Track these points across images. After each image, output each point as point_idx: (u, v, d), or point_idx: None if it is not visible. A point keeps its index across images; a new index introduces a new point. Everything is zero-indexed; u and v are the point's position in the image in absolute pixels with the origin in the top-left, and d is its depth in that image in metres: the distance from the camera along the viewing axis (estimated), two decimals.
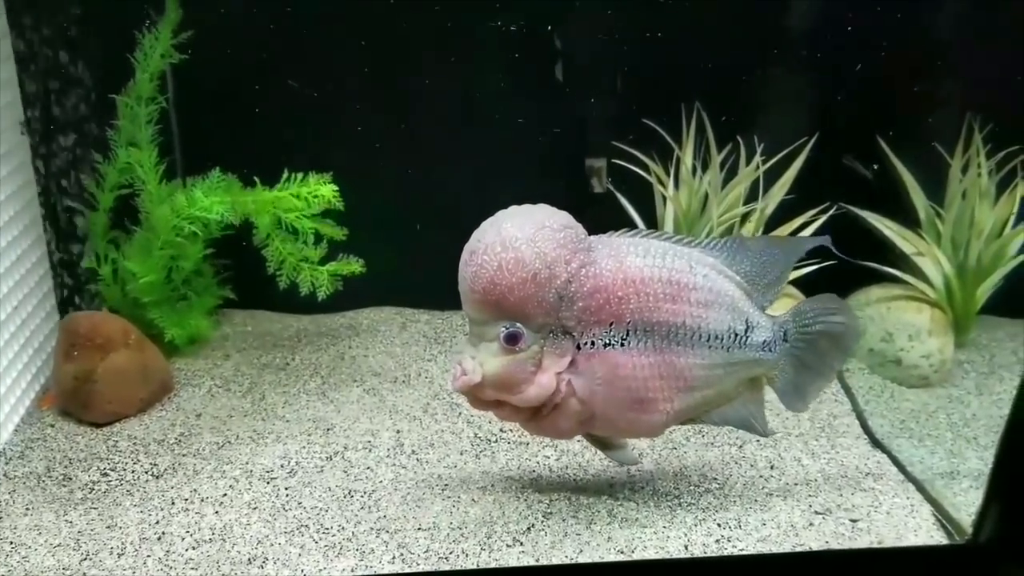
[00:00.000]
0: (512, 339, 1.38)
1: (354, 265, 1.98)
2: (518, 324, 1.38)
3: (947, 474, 1.68)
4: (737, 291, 1.47)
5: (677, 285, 1.42)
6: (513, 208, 1.42)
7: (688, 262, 1.44)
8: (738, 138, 1.98)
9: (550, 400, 1.42)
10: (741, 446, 1.77)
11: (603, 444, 1.57)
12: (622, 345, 1.41)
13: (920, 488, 1.63)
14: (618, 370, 1.42)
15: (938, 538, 1.50)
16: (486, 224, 1.41)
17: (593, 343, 1.41)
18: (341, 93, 2.13)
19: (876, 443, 1.78)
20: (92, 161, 2.06)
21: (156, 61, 1.96)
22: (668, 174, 2.01)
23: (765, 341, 1.49)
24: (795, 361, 1.52)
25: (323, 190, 1.90)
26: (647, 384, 1.43)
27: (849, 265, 1.95)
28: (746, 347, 1.47)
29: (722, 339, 1.45)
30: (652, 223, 2.06)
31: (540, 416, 1.45)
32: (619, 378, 1.42)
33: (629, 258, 1.41)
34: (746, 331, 1.47)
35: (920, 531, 1.52)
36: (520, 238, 1.35)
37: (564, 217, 1.41)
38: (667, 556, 1.45)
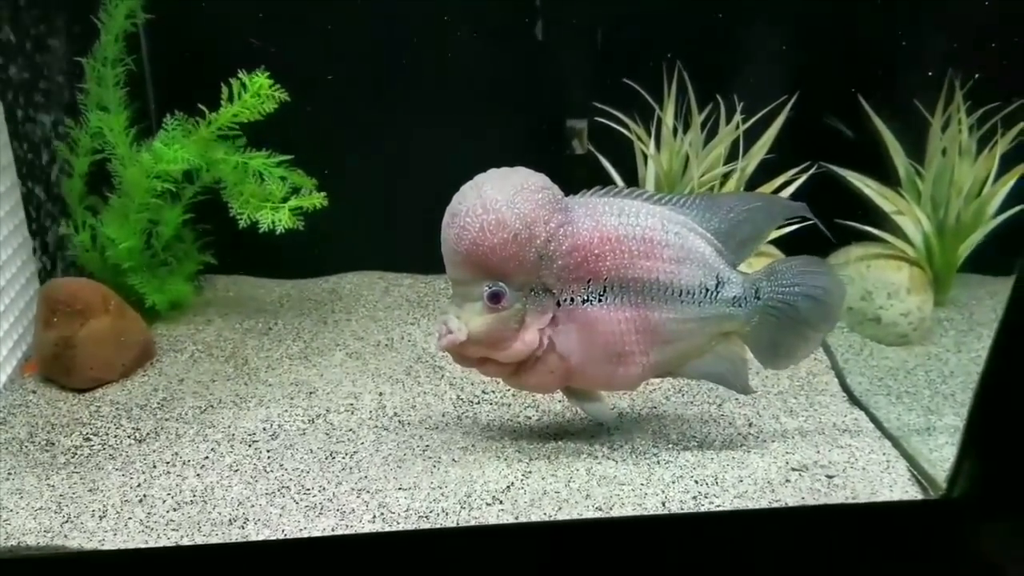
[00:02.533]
0: (495, 298, 1.44)
1: (315, 198, 1.90)
2: (501, 283, 1.44)
3: (923, 430, 1.70)
4: (708, 248, 1.52)
5: (650, 242, 1.47)
6: (491, 171, 1.46)
7: (660, 220, 1.49)
8: (718, 97, 1.96)
9: (532, 356, 1.48)
10: (720, 404, 1.78)
11: (581, 399, 1.61)
12: (600, 301, 1.47)
13: (896, 444, 1.64)
14: (597, 325, 1.48)
15: (913, 493, 1.52)
16: (466, 187, 1.45)
17: (572, 300, 1.47)
18: (321, 55, 2.10)
19: (854, 400, 1.80)
20: (65, 126, 2.03)
21: (120, 21, 1.92)
22: (649, 135, 2.00)
23: (735, 297, 1.54)
24: (772, 320, 1.55)
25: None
26: (624, 338, 1.49)
27: (828, 226, 1.96)
28: (717, 302, 1.53)
29: (693, 294, 1.51)
30: (634, 184, 2.05)
31: (523, 371, 1.51)
32: (597, 333, 1.48)
33: (605, 217, 1.46)
34: (716, 286, 1.52)
35: (895, 487, 1.53)
36: (500, 200, 1.40)
37: (541, 179, 1.46)
38: (645, 513, 1.47)
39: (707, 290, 1.52)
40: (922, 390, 1.85)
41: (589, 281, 1.46)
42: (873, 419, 1.73)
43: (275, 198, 1.90)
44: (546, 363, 1.49)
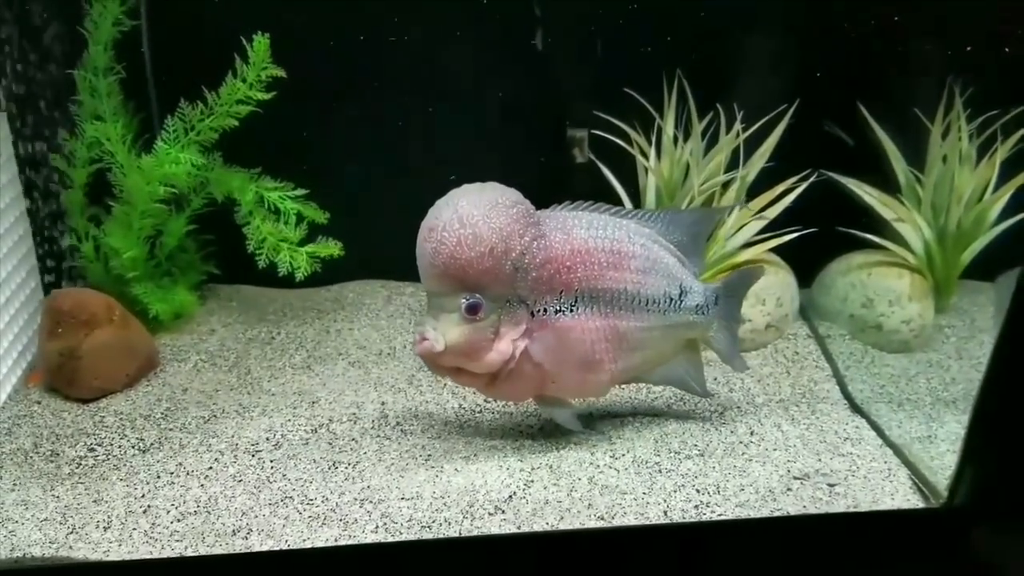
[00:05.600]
0: (473, 309, 1.48)
1: (332, 248, 1.96)
2: (477, 295, 1.48)
3: (925, 438, 1.69)
4: (671, 259, 1.61)
5: (619, 254, 1.54)
6: (465, 186, 1.51)
7: (627, 232, 1.56)
8: (718, 106, 1.97)
9: (507, 365, 1.52)
10: (722, 413, 1.78)
11: (551, 406, 1.65)
12: (571, 311, 1.53)
13: (898, 452, 1.64)
14: (569, 334, 1.53)
15: (914, 501, 1.52)
16: (441, 203, 1.49)
17: (545, 310, 1.52)
18: (327, 67, 2.11)
19: (855, 408, 1.79)
20: (61, 138, 2.03)
21: (107, 30, 1.91)
22: (650, 143, 2.00)
23: (698, 305, 1.63)
24: (726, 324, 1.67)
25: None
26: (594, 347, 1.55)
27: (829, 234, 1.97)
28: (680, 310, 1.61)
29: (659, 303, 1.59)
30: (635, 193, 2.05)
31: (497, 381, 1.55)
32: (569, 341, 1.54)
33: (575, 230, 1.53)
34: (680, 295, 1.61)
35: (897, 495, 1.53)
36: (476, 215, 1.45)
37: (514, 194, 1.50)
38: (647, 522, 1.47)
39: (671, 299, 1.59)
40: (923, 397, 1.85)
41: (561, 292, 1.51)
42: (875, 427, 1.73)
43: (292, 240, 1.93)
44: (520, 372, 1.53)
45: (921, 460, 1.61)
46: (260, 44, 1.87)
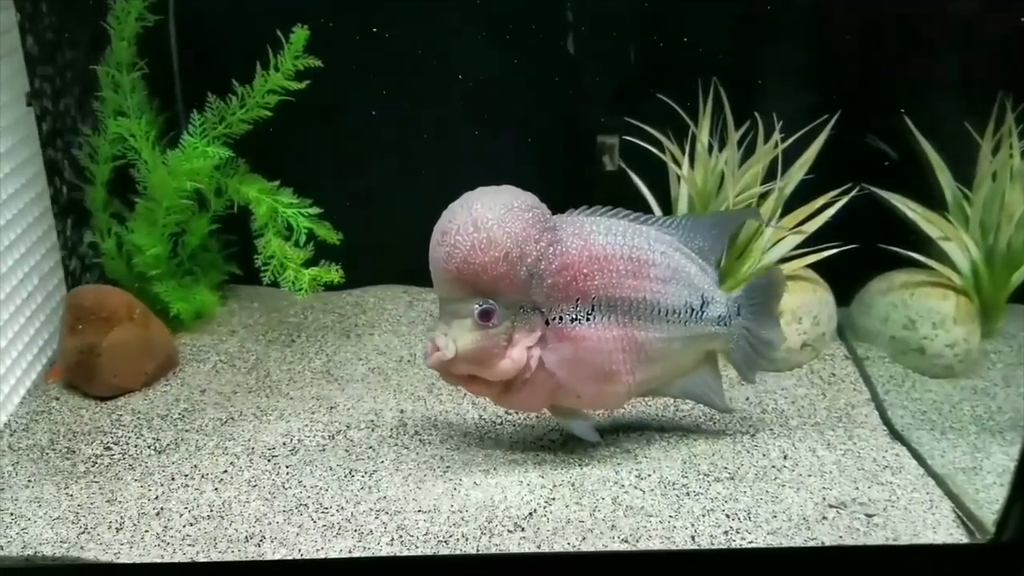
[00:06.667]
0: (486, 315, 1.44)
1: (335, 274, 1.91)
2: (491, 301, 1.44)
3: (969, 469, 1.62)
4: (693, 267, 1.56)
5: (638, 262, 1.49)
6: (480, 189, 1.47)
7: (647, 239, 1.52)
8: (756, 115, 1.91)
9: (520, 374, 1.48)
10: (754, 435, 1.72)
11: (567, 416, 1.61)
12: (588, 320, 1.48)
13: (940, 483, 1.57)
14: (584, 343, 1.49)
15: (958, 536, 1.45)
16: (455, 206, 1.46)
17: (561, 318, 1.48)
18: (351, 68, 2.09)
19: (895, 435, 1.72)
20: (83, 134, 2.03)
21: (131, 25, 1.90)
22: (683, 152, 1.95)
23: (720, 316, 1.58)
24: (747, 335, 1.61)
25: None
26: (611, 357, 1.50)
27: (871, 251, 1.90)
28: (702, 321, 1.56)
29: (679, 313, 1.54)
30: (666, 202, 2.00)
31: (510, 390, 1.51)
32: (585, 351, 1.49)
33: (593, 236, 1.48)
34: (702, 306, 1.56)
35: (939, 528, 1.46)
36: (491, 219, 1.41)
37: (530, 198, 1.47)
38: (673, 547, 1.42)
39: (692, 309, 1.54)
40: (967, 426, 1.77)
41: (578, 300, 1.47)
42: (916, 455, 1.65)
43: (296, 261, 1.89)
44: (534, 381, 1.49)
45: (966, 492, 1.54)
46: (300, 35, 1.86)
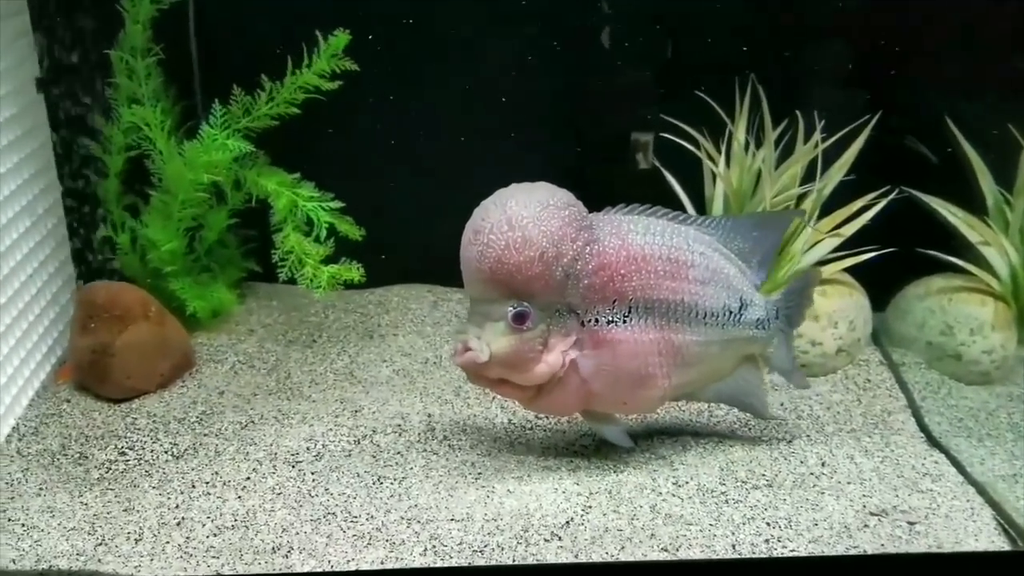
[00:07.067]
0: (520, 318, 1.40)
1: (354, 272, 1.84)
2: (525, 303, 1.40)
3: (1010, 477, 1.60)
4: (732, 268, 1.52)
5: (676, 263, 1.46)
6: (514, 186, 1.43)
7: (686, 240, 1.48)
8: (797, 113, 1.87)
9: (554, 378, 1.44)
10: (791, 441, 1.69)
11: (599, 421, 1.57)
12: (624, 322, 1.44)
13: (981, 491, 1.55)
14: (620, 347, 1.44)
15: (1000, 544, 1.43)
16: (488, 203, 1.41)
17: (597, 320, 1.43)
18: (380, 61, 2.02)
19: (933, 442, 1.70)
20: (95, 124, 1.96)
21: (146, 7, 1.82)
22: (719, 151, 1.91)
23: (759, 319, 1.54)
24: (785, 337, 1.59)
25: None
26: (647, 360, 1.46)
27: (909, 255, 1.87)
28: (740, 324, 1.52)
29: (717, 316, 1.50)
30: (700, 202, 1.95)
31: (543, 394, 1.47)
32: (621, 355, 1.45)
33: (631, 236, 1.44)
34: (740, 308, 1.52)
35: (981, 536, 1.45)
36: (526, 217, 1.37)
37: (566, 195, 1.43)
38: (713, 556, 1.38)
39: (731, 312, 1.50)
40: (1004, 433, 1.75)
41: (615, 301, 1.43)
42: (955, 462, 1.63)
43: (315, 258, 1.82)
44: (567, 385, 1.45)
45: (1007, 500, 1.52)
46: (341, 39, 1.81)
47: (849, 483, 1.56)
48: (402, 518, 1.45)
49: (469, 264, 1.41)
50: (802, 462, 1.62)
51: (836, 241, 1.88)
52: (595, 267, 1.41)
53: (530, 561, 1.36)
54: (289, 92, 1.85)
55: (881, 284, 1.99)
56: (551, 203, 1.39)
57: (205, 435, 1.67)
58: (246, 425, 1.71)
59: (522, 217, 1.36)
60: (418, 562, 1.36)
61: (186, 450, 1.63)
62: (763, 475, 1.58)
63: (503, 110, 2.07)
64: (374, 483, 1.54)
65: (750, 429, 1.72)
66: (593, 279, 1.41)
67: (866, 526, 1.45)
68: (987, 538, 1.44)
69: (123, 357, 1.74)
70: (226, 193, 1.96)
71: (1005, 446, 1.70)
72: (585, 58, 2.04)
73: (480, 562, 1.35)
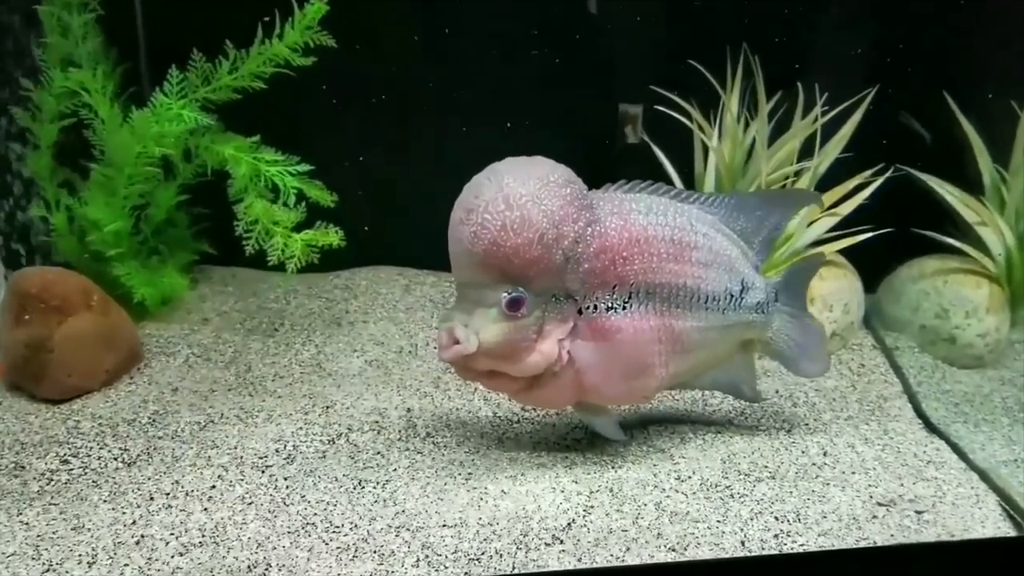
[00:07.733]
0: (515, 304, 1.31)
1: (332, 235, 1.73)
2: (520, 288, 1.30)
3: (1011, 462, 1.59)
4: (735, 250, 1.46)
5: (680, 244, 1.39)
6: (509, 160, 1.33)
7: (689, 220, 1.41)
8: (798, 84, 1.80)
9: (549, 369, 1.36)
10: (790, 430, 1.65)
11: (591, 413, 1.51)
12: (624, 308, 1.37)
13: (984, 477, 1.53)
14: (619, 335, 1.37)
15: (1006, 529, 1.42)
16: (481, 179, 1.31)
17: (595, 307, 1.36)
18: (353, 39, 1.87)
19: (932, 428, 1.68)
20: (23, 89, 1.76)
21: None
22: (710, 123, 1.82)
23: (759, 303, 1.49)
24: (789, 324, 1.52)
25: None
26: (646, 348, 1.39)
27: (904, 235, 1.83)
28: (740, 308, 1.47)
29: (718, 300, 1.44)
30: (689, 177, 1.88)
31: (536, 386, 1.39)
32: (620, 343, 1.37)
33: (633, 215, 1.36)
34: (741, 292, 1.46)
35: (987, 522, 1.43)
36: (525, 195, 1.27)
37: (566, 171, 1.34)
38: (723, 554, 1.32)
39: (732, 296, 1.44)
40: (1000, 418, 1.75)
41: (615, 286, 1.35)
42: (955, 448, 1.62)
43: (286, 224, 1.68)
44: (562, 377, 1.37)
45: (1010, 485, 1.50)
46: (316, 8, 1.67)
47: (853, 473, 1.53)
48: (389, 526, 1.34)
49: (460, 246, 1.30)
50: (803, 452, 1.58)
51: (833, 220, 1.83)
52: (596, 250, 1.33)
53: (531, 568, 1.28)
54: (256, 64, 1.69)
55: (870, 265, 1.96)
56: (551, 180, 1.29)
57: (159, 438, 1.54)
58: (205, 426, 1.58)
59: (520, 195, 1.26)
60: (411, 574, 1.25)
61: (139, 456, 1.49)
62: (766, 467, 1.53)
63: (488, 81, 1.97)
64: (355, 488, 1.43)
65: (747, 418, 1.68)
66: (594, 263, 1.33)
67: (875, 517, 1.42)
68: (994, 524, 1.42)
69: (62, 352, 1.61)
70: (176, 166, 1.79)
71: (1002, 431, 1.69)
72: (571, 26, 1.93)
73: (478, 571, 1.26)
